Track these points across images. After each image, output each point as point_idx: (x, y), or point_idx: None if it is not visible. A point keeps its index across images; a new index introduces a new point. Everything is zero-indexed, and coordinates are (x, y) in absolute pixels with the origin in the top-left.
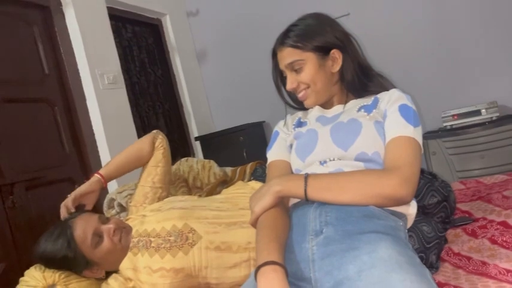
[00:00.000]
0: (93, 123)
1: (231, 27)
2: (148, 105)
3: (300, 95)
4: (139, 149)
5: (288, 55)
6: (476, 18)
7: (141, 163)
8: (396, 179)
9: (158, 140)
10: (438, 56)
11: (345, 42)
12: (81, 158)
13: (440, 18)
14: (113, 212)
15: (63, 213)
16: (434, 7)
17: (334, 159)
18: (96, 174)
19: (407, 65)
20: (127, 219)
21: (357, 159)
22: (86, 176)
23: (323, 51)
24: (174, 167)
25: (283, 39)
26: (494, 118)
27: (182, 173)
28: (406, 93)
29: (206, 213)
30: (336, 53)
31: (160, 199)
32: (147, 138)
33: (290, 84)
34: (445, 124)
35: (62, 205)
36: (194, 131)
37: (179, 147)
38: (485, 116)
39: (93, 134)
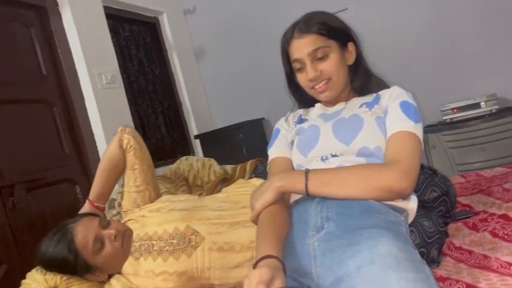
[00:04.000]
0: (92, 123)
1: (228, 24)
2: (147, 104)
3: (319, 86)
4: (111, 159)
5: (312, 42)
6: (474, 10)
7: (121, 169)
8: (396, 172)
9: (124, 140)
10: (437, 50)
11: (356, 39)
12: (80, 158)
13: (439, 12)
14: (114, 212)
15: None
16: (434, 1)
17: (336, 155)
18: (86, 200)
19: (406, 59)
20: (127, 221)
21: (358, 153)
22: (86, 177)
23: (343, 41)
24: (174, 165)
25: (306, 27)
26: (493, 111)
27: (182, 172)
28: (407, 90)
29: (208, 214)
30: (351, 46)
31: (151, 200)
32: (113, 143)
33: (311, 73)
34: (444, 117)
35: None
36: (193, 129)
37: (179, 146)
38: (484, 108)
39: (93, 134)
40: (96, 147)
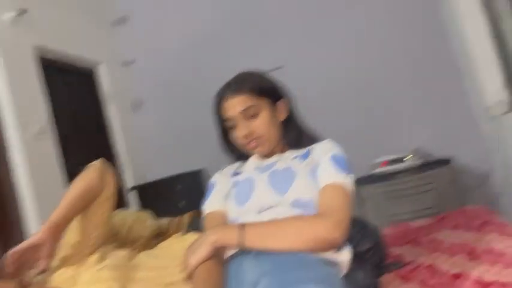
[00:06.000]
0: (18, 176)
1: (168, 77)
2: (79, 157)
3: (251, 144)
4: (91, 189)
5: (242, 101)
6: (401, 73)
7: (91, 202)
8: (329, 223)
9: (108, 173)
10: (367, 107)
11: (287, 95)
12: (2, 215)
13: (369, 72)
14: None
15: None
16: (363, 61)
17: (271, 207)
18: (42, 227)
19: (339, 115)
20: (54, 277)
21: (292, 205)
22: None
23: (273, 99)
24: None
25: (237, 87)
26: (418, 164)
27: (114, 226)
28: (338, 143)
29: (142, 274)
30: (282, 103)
31: (97, 245)
32: (94, 174)
33: (244, 131)
34: (375, 170)
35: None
36: (129, 181)
37: None
38: (410, 162)
39: (16, 189)
40: (18, 203)
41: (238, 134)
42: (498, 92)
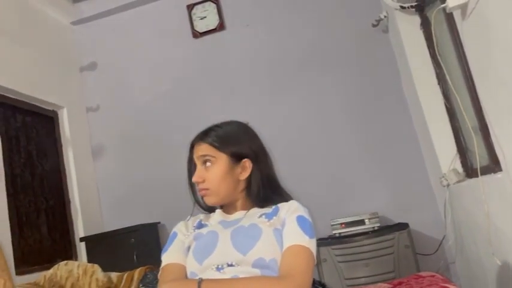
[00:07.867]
0: None
1: (131, 126)
2: (29, 200)
3: (201, 191)
4: None
5: (203, 149)
6: (363, 139)
7: None
8: (289, 287)
9: None
10: (328, 169)
11: (258, 155)
12: None
13: (332, 136)
14: None
15: None
16: (327, 125)
17: (232, 264)
18: None
19: (301, 175)
20: None
21: (254, 265)
22: None
23: (235, 157)
24: (51, 271)
25: (203, 136)
26: (376, 228)
27: (59, 279)
28: (304, 205)
29: None
30: (246, 163)
31: None
32: None
33: (197, 177)
34: (334, 232)
35: None
36: (80, 230)
37: (60, 249)
38: (368, 225)
39: None
40: None
41: (193, 177)
42: (451, 162)
